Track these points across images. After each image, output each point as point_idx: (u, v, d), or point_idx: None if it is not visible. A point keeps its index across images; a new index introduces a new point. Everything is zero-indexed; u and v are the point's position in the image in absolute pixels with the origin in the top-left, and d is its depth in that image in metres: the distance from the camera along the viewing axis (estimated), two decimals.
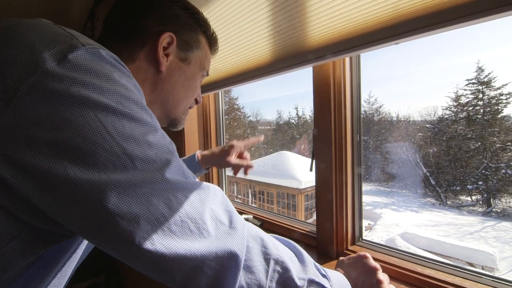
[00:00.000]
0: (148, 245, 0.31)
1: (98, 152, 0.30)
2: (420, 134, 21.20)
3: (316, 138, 0.80)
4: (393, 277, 0.66)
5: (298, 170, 11.76)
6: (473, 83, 18.46)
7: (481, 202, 15.94)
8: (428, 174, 18.67)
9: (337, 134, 0.76)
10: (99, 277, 2.46)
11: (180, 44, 0.53)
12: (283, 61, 0.80)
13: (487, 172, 16.41)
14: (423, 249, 7.17)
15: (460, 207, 15.87)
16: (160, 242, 0.31)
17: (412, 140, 21.54)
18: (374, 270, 0.56)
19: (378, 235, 9.30)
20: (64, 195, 0.29)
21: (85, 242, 0.47)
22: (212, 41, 0.61)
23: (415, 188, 18.97)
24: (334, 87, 0.75)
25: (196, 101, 0.65)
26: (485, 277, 0.59)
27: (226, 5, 0.85)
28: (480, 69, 18.20)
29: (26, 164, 0.28)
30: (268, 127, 31.64)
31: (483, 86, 18.00)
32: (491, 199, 15.54)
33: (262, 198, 12.92)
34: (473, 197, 16.54)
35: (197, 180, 0.40)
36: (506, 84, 17.29)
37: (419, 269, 0.65)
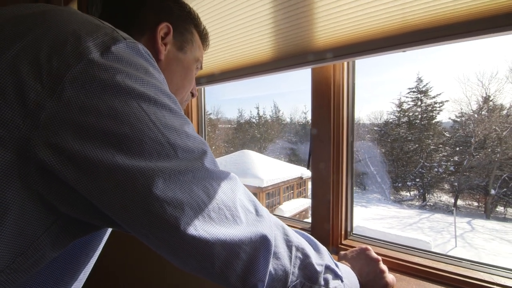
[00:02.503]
0: (192, 230, 0.32)
1: (144, 140, 0.31)
2: (369, 136, 23.18)
3: (314, 137, 0.83)
4: (388, 267, 0.72)
5: (260, 168, 11.95)
6: (413, 92, 20.82)
7: (418, 197, 18.08)
8: (375, 172, 20.51)
9: (335, 134, 0.80)
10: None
11: (176, 34, 0.55)
12: (284, 60, 0.81)
13: (423, 171, 18.67)
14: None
15: (401, 202, 17.80)
16: (202, 228, 0.33)
17: (362, 141, 23.43)
18: (377, 261, 0.60)
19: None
20: (110, 182, 0.29)
21: (104, 239, 0.47)
22: (203, 36, 0.63)
23: (363, 185, 20.69)
24: (334, 88, 0.79)
25: (192, 94, 0.65)
26: (465, 262, 0.68)
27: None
28: (419, 79, 20.61)
29: (73, 152, 0.28)
30: (229, 126, 31.49)
31: (422, 95, 20.42)
32: (426, 194, 17.73)
33: None
34: (412, 193, 18.68)
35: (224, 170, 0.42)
36: (439, 94, 19.87)
37: (406, 257, 0.72)
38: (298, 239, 0.45)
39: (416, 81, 20.75)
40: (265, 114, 30.37)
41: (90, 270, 0.47)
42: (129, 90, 0.30)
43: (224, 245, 0.34)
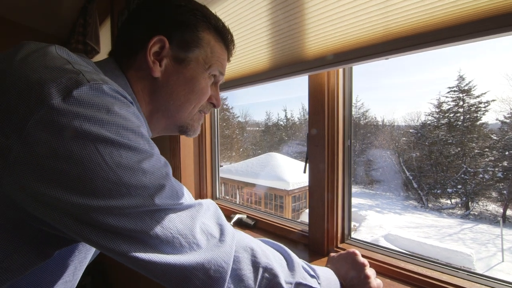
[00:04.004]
0: (143, 256, 0.36)
1: (96, 180, 0.33)
2: (404, 138, 21.86)
3: (310, 141, 0.85)
4: (379, 272, 0.72)
5: (286, 171, 11.88)
6: (454, 91, 19.26)
7: (460, 205, 16.61)
8: (410, 177, 19.27)
9: (330, 138, 0.81)
10: (86, 278, 2.42)
11: (175, 45, 0.52)
12: (281, 68, 0.85)
13: (465, 177, 17.13)
14: (405, 250, 7.42)
15: (440, 210, 16.49)
16: (153, 254, 0.36)
17: (396, 144, 22.18)
18: (362, 266, 0.60)
19: (362, 237, 9.52)
20: (67, 216, 0.34)
21: (92, 248, 0.52)
22: (223, 35, 0.57)
23: (398, 191, 19.54)
24: (328, 94, 0.80)
25: (214, 105, 0.62)
26: (461, 271, 0.66)
27: (227, 11, 0.89)
28: (461, 78, 19.02)
29: (34, 191, 0.32)
30: (257, 128, 31.72)
31: (464, 94, 18.81)
32: (469, 203, 16.23)
33: (249, 200, 12.96)
34: (453, 200, 17.22)
35: (191, 199, 0.45)
36: (485, 93, 18.13)
37: (402, 264, 0.71)
38: (268, 259, 0.46)
39: (458, 80, 19.17)
40: (292, 117, 30.15)
41: (76, 281, 0.52)
42: (86, 134, 0.32)
43: (174, 269, 0.37)
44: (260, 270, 0.45)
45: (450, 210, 16.39)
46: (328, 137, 0.81)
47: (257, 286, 0.44)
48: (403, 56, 0.60)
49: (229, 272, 0.41)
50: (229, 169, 14.22)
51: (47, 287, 0.45)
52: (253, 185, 12.55)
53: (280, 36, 0.80)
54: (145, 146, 0.38)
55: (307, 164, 0.87)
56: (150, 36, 0.50)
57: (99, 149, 0.33)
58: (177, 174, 1.36)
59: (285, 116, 30.37)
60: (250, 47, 0.91)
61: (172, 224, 0.38)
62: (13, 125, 0.32)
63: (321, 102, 0.81)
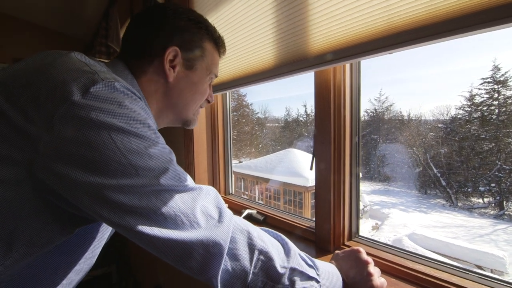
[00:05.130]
0: (148, 230, 0.41)
1: (110, 163, 0.39)
2: (432, 134, 20.77)
3: (316, 138, 0.85)
4: (385, 271, 0.70)
5: (306, 167, 11.75)
6: (488, 82, 17.90)
7: (493, 204, 15.54)
8: (438, 174, 18.32)
9: (336, 135, 0.81)
10: (111, 266, 2.58)
11: (185, 55, 0.60)
12: (286, 65, 0.84)
13: (500, 174, 15.97)
14: (430, 251, 7.10)
15: (471, 209, 15.54)
16: (158, 229, 0.41)
17: (423, 139, 21.12)
18: (366, 263, 0.60)
19: (385, 235, 9.25)
20: (88, 194, 0.40)
21: (108, 228, 0.59)
22: (219, 44, 0.67)
23: (424, 188, 18.66)
24: (334, 90, 0.79)
25: (208, 101, 0.72)
26: (471, 274, 0.63)
27: (234, 11, 0.90)
28: (496, 68, 17.62)
29: (60, 173, 0.39)
30: (276, 124, 31.57)
31: (499, 86, 17.43)
32: (504, 202, 15.14)
33: (268, 195, 12.99)
34: (485, 199, 16.14)
35: (193, 184, 0.49)
36: None
37: (409, 264, 0.69)
38: (264, 243, 0.50)
39: (492, 70, 17.79)
40: (312, 112, 29.61)
41: (94, 258, 0.60)
42: (101, 123, 0.39)
43: (176, 243, 0.42)
44: (256, 252, 0.48)
45: (482, 210, 15.39)
46: (334, 133, 0.81)
47: (252, 267, 0.47)
48: (424, 47, 0.57)
49: (226, 250, 0.45)
50: (248, 165, 14.31)
51: (71, 263, 0.53)
52: (271, 181, 12.55)
53: (285, 34, 0.80)
54: (151, 135, 0.44)
55: (314, 161, 0.87)
56: (167, 46, 0.58)
57: (112, 136, 0.39)
58: (191, 170, 1.40)
59: (305, 111, 29.92)
60: (256, 45, 0.91)
61: (174, 203, 0.43)
62: (42, 118, 0.38)
63: (327, 99, 0.80)
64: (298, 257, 0.53)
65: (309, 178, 11.13)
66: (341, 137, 0.80)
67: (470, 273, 0.63)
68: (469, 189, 16.88)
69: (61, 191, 0.40)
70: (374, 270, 0.60)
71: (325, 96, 0.81)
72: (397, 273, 0.69)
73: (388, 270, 0.71)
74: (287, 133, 29.79)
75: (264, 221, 1.10)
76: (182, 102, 0.64)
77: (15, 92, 0.40)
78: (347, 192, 0.82)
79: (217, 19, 1.02)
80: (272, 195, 12.84)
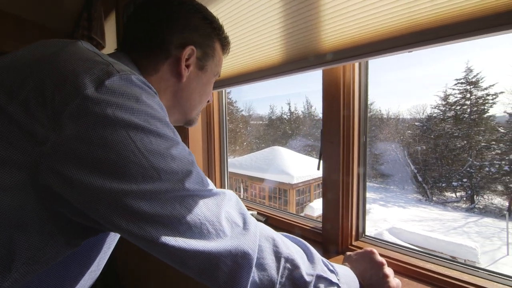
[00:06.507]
0: (172, 241, 0.36)
1: (129, 166, 0.34)
2: (409, 131, 21.64)
3: (324, 138, 0.83)
4: (396, 271, 0.70)
5: (291, 165, 11.87)
6: (461, 83, 18.90)
7: (465, 198, 16.51)
8: (415, 171, 19.16)
9: (345, 135, 0.79)
10: (97, 280, 2.45)
11: (199, 55, 0.58)
12: (293, 63, 0.82)
13: (471, 170, 16.97)
14: (409, 244, 7.42)
15: (445, 203, 16.42)
16: (182, 240, 0.37)
17: (401, 137, 21.98)
18: (381, 264, 0.59)
19: (366, 230, 9.53)
20: (101, 202, 0.34)
21: (115, 239, 0.54)
22: (225, 44, 0.65)
23: (402, 184, 19.46)
24: (343, 89, 0.78)
25: (208, 101, 0.69)
26: (481, 271, 0.64)
27: (237, 3, 0.86)
28: (469, 69, 18.63)
29: (70, 177, 0.33)
30: (261, 122, 31.61)
31: (471, 86, 18.46)
32: (475, 196, 16.12)
33: (254, 193, 13.01)
34: (458, 194, 17.11)
35: (214, 187, 0.45)
36: (492, 85, 17.78)
37: (420, 263, 0.70)
38: (289, 250, 0.46)
39: (465, 71, 18.78)
40: (296, 110, 29.95)
41: (100, 269, 0.55)
42: (118, 121, 0.34)
43: (203, 255, 0.37)
44: (282, 260, 0.45)
45: (455, 204, 16.31)
46: (344, 133, 0.79)
47: (279, 276, 0.44)
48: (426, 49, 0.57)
49: (255, 259, 0.41)
50: (233, 163, 14.24)
51: (76, 277, 0.48)
52: (257, 179, 12.58)
53: (294, 29, 0.78)
54: (171, 134, 0.40)
55: (321, 161, 0.85)
56: (185, 44, 0.55)
57: (131, 135, 0.35)
58: None
59: (289, 109, 30.18)
60: (263, 40, 0.88)
61: (200, 210, 0.39)
62: (49, 114, 0.33)
63: (336, 98, 0.79)
64: (322, 263, 0.51)
65: (294, 175, 11.26)
66: (350, 137, 0.79)
67: (480, 270, 0.64)
68: (443, 184, 17.82)
69: (71, 198, 0.35)
70: (389, 271, 0.59)
71: (335, 94, 0.79)
72: (408, 273, 0.70)
73: (398, 269, 0.71)
74: (271, 130, 29.93)
75: (265, 222, 1.08)
76: (190, 103, 0.62)
77: (13, 87, 0.35)
78: (355, 191, 0.82)
79: (217, 10, 0.97)
80: (258, 192, 12.86)
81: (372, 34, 0.63)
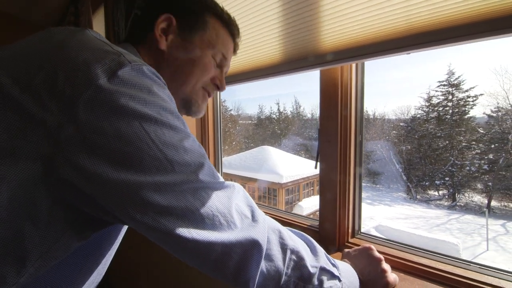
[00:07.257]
0: (186, 233, 0.37)
1: (144, 157, 0.35)
2: (394, 132, 22.23)
3: (322, 137, 0.84)
4: (392, 267, 0.72)
5: (280, 165, 11.94)
6: (444, 85, 19.60)
7: (447, 196, 17.14)
8: (400, 170, 19.70)
9: (342, 134, 0.81)
10: None
11: (182, 24, 0.57)
12: (291, 62, 0.83)
13: (453, 169, 17.64)
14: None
15: (428, 201, 16.97)
16: (196, 231, 0.37)
17: (387, 137, 22.54)
18: (379, 260, 0.61)
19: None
20: (116, 193, 0.34)
21: (122, 234, 0.54)
22: (224, 20, 0.61)
23: (388, 183, 19.97)
24: (341, 89, 0.79)
25: (217, 87, 0.64)
26: (473, 265, 0.67)
27: (242, 2, 0.86)
28: (451, 72, 19.34)
29: (85, 168, 0.33)
30: (250, 122, 31.63)
31: (453, 88, 19.17)
32: (456, 194, 16.75)
33: None
34: (440, 192, 17.73)
35: (223, 180, 0.45)
36: (473, 87, 18.52)
37: (415, 258, 0.72)
38: (294, 243, 0.48)
39: (447, 74, 19.48)
40: (285, 110, 30.15)
41: (107, 264, 0.54)
42: (132, 112, 0.34)
43: (216, 246, 0.38)
44: (288, 252, 0.46)
45: (438, 202, 16.91)
46: (341, 132, 0.81)
47: (285, 267, 0.45)
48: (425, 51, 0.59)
49: (264, 250, 0.42)
50: (222, 163, 14.17)
51: (85, 273, 0.48)
52: (246, 178, 12.58)
53: (293, 29, 0.78)
54: (182, 126, 0.40)
55: (318, 160, 0.87)
56: (158, 14, 0.55)
57: (145, 127, 0.35)
58: None
59: (278, 109, 30.34)
60: (261, 39, 0.88)
61: (212, 202, 0.40)
62: (62, 105, 0.32)
63: (334, 97, 0.80)
64: (325, 256, 0.53)
65: (283, 175, 11.33)
66: (347, 136, 0.80)
67: (472, 264, 0.67)
68: (426, 183, 18.41)
69: (88, 190, 0.34)
70: (386, 266, 0.61)
71: (332, 94, 0.80)
72: (404, 268, 0.72)
73: (395, 265, 0.73)
74: (260, 130, 30.00)
75: None
76: (179, 77, 0.57)
77: (23, 77, 0.33)
78: (351, 190, 0.83)
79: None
80: (248, 192, 12.84)
81: (371, 35, 0.65)
